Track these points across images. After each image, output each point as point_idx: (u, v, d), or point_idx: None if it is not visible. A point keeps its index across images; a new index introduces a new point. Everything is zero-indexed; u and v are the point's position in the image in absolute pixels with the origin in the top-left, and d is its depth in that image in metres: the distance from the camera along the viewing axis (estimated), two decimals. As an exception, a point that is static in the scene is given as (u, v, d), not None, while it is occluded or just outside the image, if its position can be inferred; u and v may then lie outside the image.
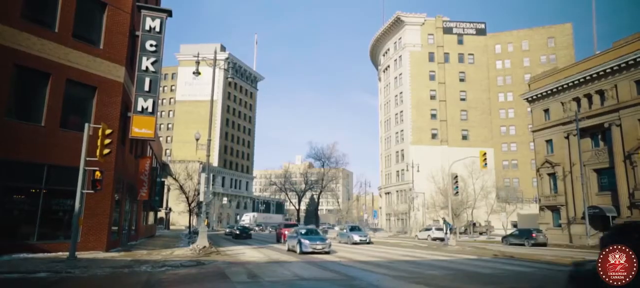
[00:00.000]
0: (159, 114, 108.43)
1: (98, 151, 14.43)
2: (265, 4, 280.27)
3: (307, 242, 20.42)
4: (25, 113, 15.95)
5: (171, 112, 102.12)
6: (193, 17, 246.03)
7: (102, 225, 17.61)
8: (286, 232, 29.41)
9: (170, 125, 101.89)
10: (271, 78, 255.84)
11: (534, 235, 32.08)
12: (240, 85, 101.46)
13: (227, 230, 47.02)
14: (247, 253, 21.56)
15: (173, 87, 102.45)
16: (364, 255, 20.65)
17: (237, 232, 40.47)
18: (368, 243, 31.60)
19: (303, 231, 22.81)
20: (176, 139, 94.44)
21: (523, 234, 33.25)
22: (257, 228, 65.43)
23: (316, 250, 20.22)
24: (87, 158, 15.01)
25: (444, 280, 11.96)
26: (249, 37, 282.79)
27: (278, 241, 32.43)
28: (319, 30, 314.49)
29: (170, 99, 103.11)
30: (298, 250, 20.50)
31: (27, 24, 15.77)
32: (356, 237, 31.28)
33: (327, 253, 20.41)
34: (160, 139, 70.65)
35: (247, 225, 49.45)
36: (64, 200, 16.59)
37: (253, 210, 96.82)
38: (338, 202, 68.89)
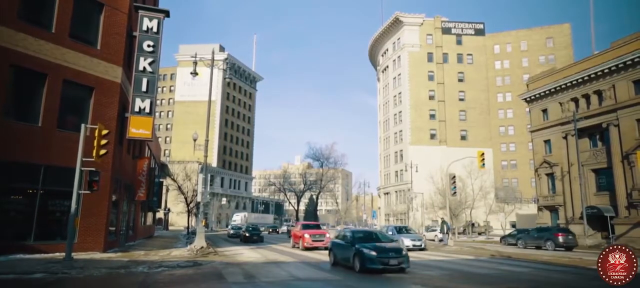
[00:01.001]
0: (157, 114, 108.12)
1: (94, 151, 14.42)
2: (265, 5, 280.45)
3: (374, 253, 13.16)
4: (22, 113, 15.92)
5: (170, 113, 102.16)
6: (193, 18, 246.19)
7: (99, 226, 17.59)
8: (307, 235, 24.04)
9: (169, 126, 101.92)
10: (271, 79, 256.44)
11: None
12: (240, 85, 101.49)
13: (232, 232, 40.92)
14: (245, 253, 21.55)
15: (172, 88, 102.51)
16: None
17: (247, 235, 33.09)
18: (421, 249, 25.02)
19: (360, 235, 15.39)
20: (175, 140, 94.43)
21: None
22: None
23: (389, 267, 13.10)
24: (84, 159, 14.99)
25: (440, 280, 11.97)
26: (249, 38, 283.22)
27: (294, 246, 25.97)
28: (319, 31, 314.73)
29: (170, 99, 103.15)
30: (358, 266, 13.44)
31: (23, 25, 15.75)
32: (408, 242, 24.23)
33: (403, 270, 13.50)
34: (159, 139, 70.58)
35: (251, 225, 41.92)
36: (61, 201, 16.57)
37: (253, 211, 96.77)
38: (337, 203, 68.84)
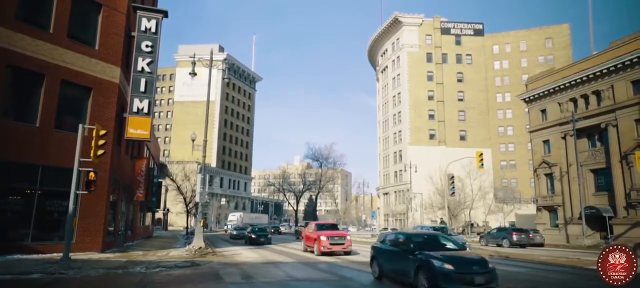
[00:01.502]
0: (157, 114, 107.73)
1: (92, 152, 14.41)
2: (265, 6, 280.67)
3: (450, 267, 9.05)
4: (19, 113, 15.92)
5: (170, 113, 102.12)
6: (192, 19, 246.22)
7: (98, 226, 17.59)
8: (323, 237, 20.31)
9: (168, 126, 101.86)
10: (271, 79, 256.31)
11: (530, 235, 32.17)
12: (239, 86, 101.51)
13: (235, 232, 38.45)
14: (243, 254, 21.54)
15: (171, 88, 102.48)
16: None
17: (253, 236, 29.93)
18: None
19: (421, 239, 11.06)
20: (174, 140, 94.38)
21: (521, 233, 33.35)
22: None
23: None
24: (82, 159, 14.99)
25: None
26: (248, 39, 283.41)
27: (306, 249, 22.65)
28: (318, 31, 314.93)
29: (169, 99, 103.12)
30: (425, 285, 9.29)
31: (21, 25, 15.74)
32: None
33: None
34: (159, 139, 70.54)
35: (257, 226, 37.59)
36: (59, 201, 16.52)
37: (252, 211, 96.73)
38: (336, 203, 68.82)
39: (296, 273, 13.57)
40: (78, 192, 15.03)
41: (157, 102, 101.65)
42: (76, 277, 11.65)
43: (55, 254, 15.35)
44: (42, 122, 16.16)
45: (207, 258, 18.02)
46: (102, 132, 14.82)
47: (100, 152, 14.60)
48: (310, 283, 11.41)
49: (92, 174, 14.75)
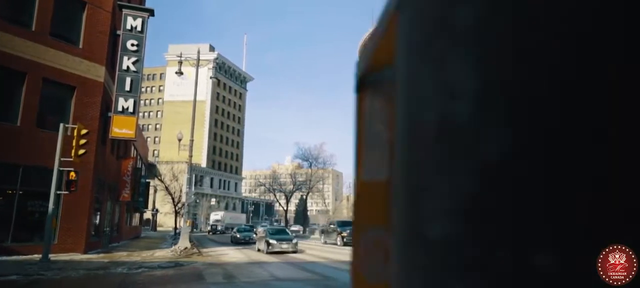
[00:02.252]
0: (146, 114, 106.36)
1: (73, 151, 14.25)
2: (260, 7, 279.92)
3: None
4: (0, 112, 15.69)
5: (159, 112, 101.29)
6: (188, 19, 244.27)
7: (80, 227, 17.38)
8: None
9: (158, 126, 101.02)
10: (264, 79, 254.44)
11: None
12: (230, 85, 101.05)
13: (239, 235, 31.30)
14: (230, 254, 21.47)
15: (162, 87, 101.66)
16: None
17: (271, 241, 20.92)
18: None
19: None
20: (164, 140, 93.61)
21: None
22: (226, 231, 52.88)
23: None
24: (64, 159, 14.81)
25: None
26: (242, 39, 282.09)
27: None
28: (314, 31, 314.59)
29: (159, 99, 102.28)
30: None
31: (2, 22, 15.50)
32: None
33: None
34: (148, 139, 70.00)
35: (273, 228, 30.04)
36: (41, 202, 16.27)
37: (243, 212, 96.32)
38: (325, 203, 68.88)
39: (278, 272, 13.57)
40: (59, 192, 14.85)
41: (147, 102, 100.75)
42: (55, 278, 11.50)
43: (36, 255, 15.08)
44: (23, 121, 15.93)
45: (192, 259, 17.93)
46: (84, 132, 14.67)
47: (81, 151, 14.46)
48: (292, 283, 11.42)
49: (72, 174, 14.59)
